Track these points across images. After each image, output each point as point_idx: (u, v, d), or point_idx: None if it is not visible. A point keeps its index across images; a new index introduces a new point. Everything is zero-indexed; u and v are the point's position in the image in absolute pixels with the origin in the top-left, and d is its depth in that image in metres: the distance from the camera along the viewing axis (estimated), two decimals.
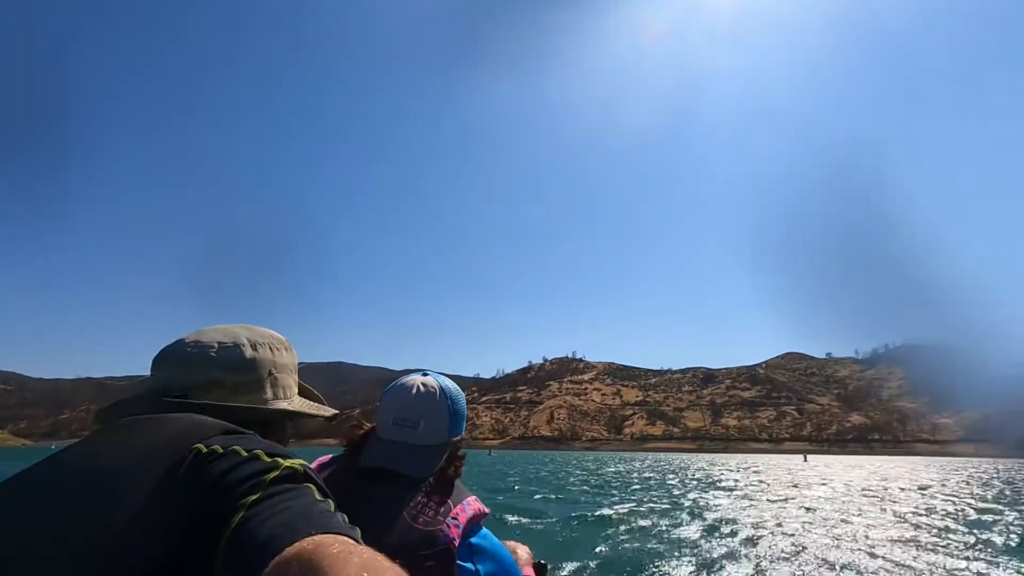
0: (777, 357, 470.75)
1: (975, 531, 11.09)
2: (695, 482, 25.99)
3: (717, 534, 10.24)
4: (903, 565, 7.93)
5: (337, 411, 1.15)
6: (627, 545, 9.16)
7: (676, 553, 8.55)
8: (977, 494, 21.05)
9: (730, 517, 12.48)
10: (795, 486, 24.15)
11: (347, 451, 1.26)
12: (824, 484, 25.88)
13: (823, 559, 8.22)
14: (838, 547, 9.14)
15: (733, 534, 10.21)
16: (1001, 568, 7.86)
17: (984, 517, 13.46)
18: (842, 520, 12.39)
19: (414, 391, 1.24)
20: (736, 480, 28.17)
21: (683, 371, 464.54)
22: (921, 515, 13.64)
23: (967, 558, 8.51)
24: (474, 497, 1.21)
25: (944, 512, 14.43)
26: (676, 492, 19.75)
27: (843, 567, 7.72)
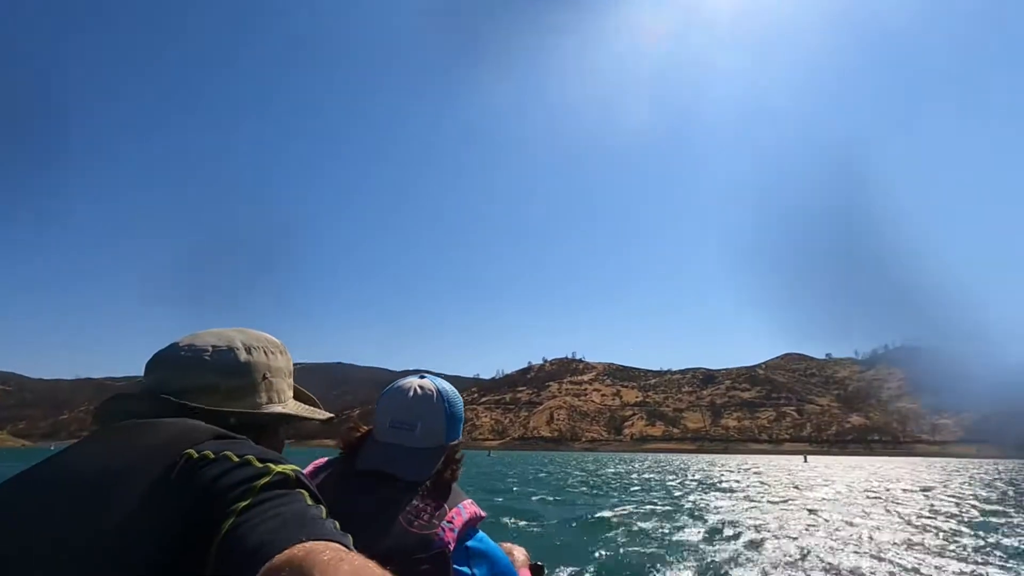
0: (777, 358, 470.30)
1: (983, 534, 10.83)
2: (695, 483, 25.72)
3: (719, 537, 9.98)
4: (912, 570, 7.68)
5: (332, 414, 1.15)
6: (626, 549, 8.90)
7: (677, 557, 8.29)
8: (981, 496, 20.76)
9: (732, 519, 12.23)
10: (796, 487, 23.88)
11: (343, 454, 1.25)
12: (826, 485, 25.60)
13: (829, 563, 7.95)
14: (843, 550, 8.87)
15: (735, 537, 9.95)
16: (1013, 574, 7.60)
17: (991, 519, 13.19)
18: (846, 522, 12.12)
19: (411, 393, 1.24)
20: (737, 481, 27.90)
21: (683, 372, 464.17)
22: (927, 517, 13.37)
23: (977, 562, 8.25)
24: (470, 500, 1.20)
25: (949, 514, 14.16)
26: (676, 494, 19.48)
27: (850, 572, 7.47)
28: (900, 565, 7.90)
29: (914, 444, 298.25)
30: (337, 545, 0.67)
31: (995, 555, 8.81)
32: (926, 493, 21.64)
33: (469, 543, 1.14)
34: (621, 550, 8.76)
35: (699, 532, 10.46)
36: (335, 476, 1.20)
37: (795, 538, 9.95)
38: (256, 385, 0.94)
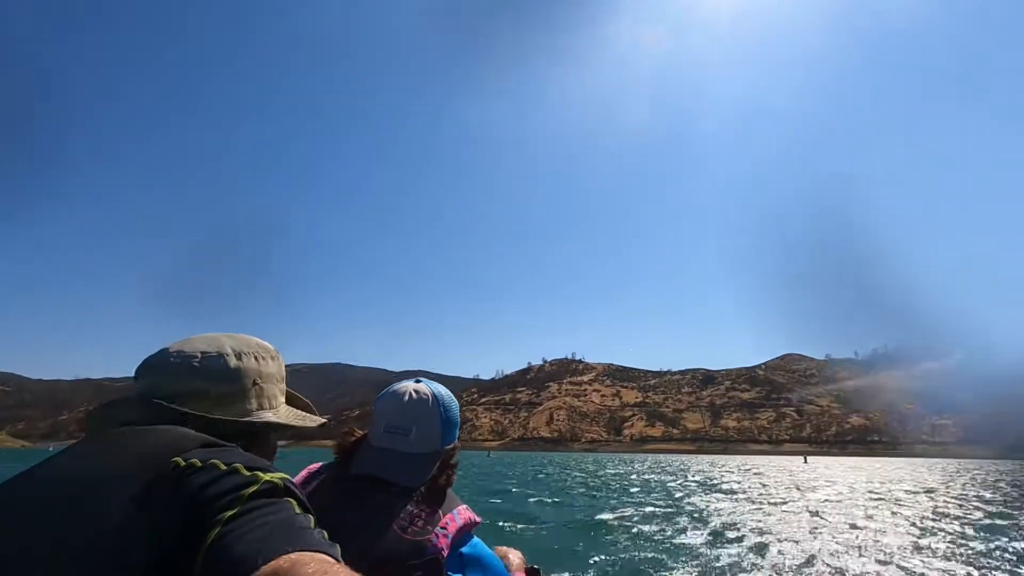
0: (776, 358, 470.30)
1: (991, 537, 10.58)
2: (695, 484, 25.50)
3: (721, 540, 9.74)
4: (920, 575, 7.43)
5: (324, 420, 1.14)
6: (626, 552, 8.66)
7: (677, 561, 8.05)
8: (986, 497, 20.53)
9: (734, 522, 11.99)
10: (798, 488, 23.68)
11: (338, 459, 1.24)
12: (827, 486, 25.41)
13: (835, 568, 7.71)
14: (849, 554, 8.63)
15: (738, 540, 9.70)
16: None
17: (997, 522, 12.95)
18: (851, 525, 11.88)
19: (406, 398, 1.23)
20: (737, 482, 27.69)
21: (682, 372, 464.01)
22: (932, 519, 13.12)
23: (987, 567, 8.00)
24: (465, 506, 1.20)
25: (954, 516, 13.92)
26: (676, 495, 19.25)
27: None
28: (908, 570, 7.66)
29: (914, 445, 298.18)
30: (323, 556, 0.66)
31: (1004, 559, 8.56)
32: (929, 494, 21.41)
33: (463, 549, 1.13)
34: (620, 554, 8.52)
35: (700, 535, 10.22)
36: (329, 481, 1.19)
37: (798, 541, 9.70)
38: (246, 391, 0.94)
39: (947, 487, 26.75)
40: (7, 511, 0.69)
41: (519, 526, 11.20)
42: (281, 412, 1.01)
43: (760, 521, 12.28)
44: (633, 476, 32.99)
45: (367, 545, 1.02)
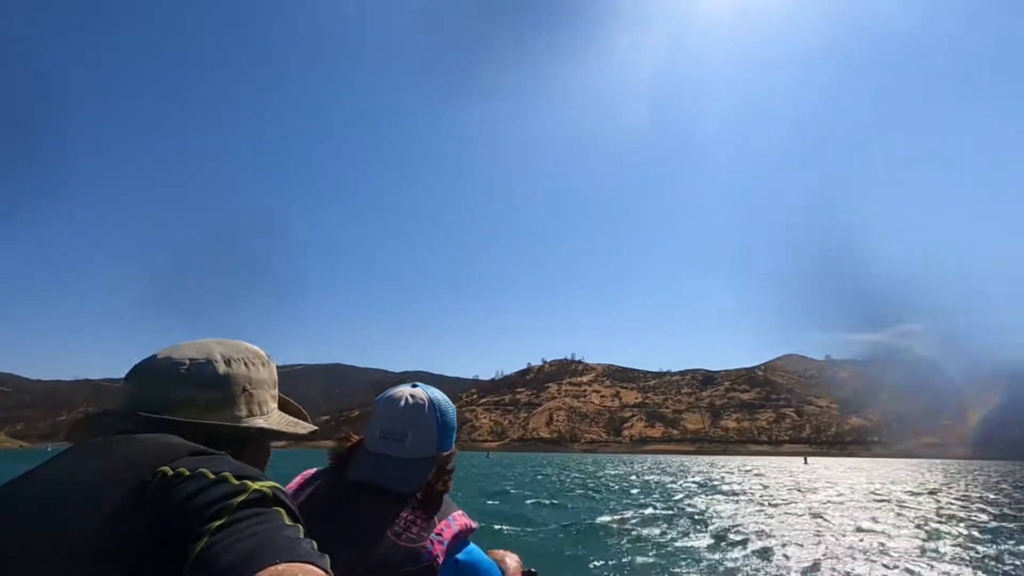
0: (776, 359, 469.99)
1: (1000, 540, 10.33)
2: (696, 486, 25.26)
3: (723, 544, 9.48)
4: None
5: (315, 428, 1.12)
6: (625, 556, 8.39)
7: (679, 566, 7.80)
8: (990, 499, 20.28)
9: (736, 524, 11.73)
10: (799, 490, 23.43)
11: (333, 464, 1.23)
12: (829, 487, 25.17)
13: (843, 573, 7.45)
14: (855, 558, 8.36)
15: (741, 544, 9.44)
16: None
17: (1006, 525, 12.69)
18: (856, 527, 11.61)
19: (402, 403, 1.22)
20: (738, 484, 27.44)
21: (682, 373, 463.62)
22: (938, 522, 12.85)
23: (999, 572, 7.75)
24: (461, 512, 1.19)
25: (961, 519, 13.66)
26: (677, 497, 19.00)
27: None
28: (917, 575, 7.41)
29: (913, 446, 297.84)
30: (312, 567, 0.65)
31: (1016, 563, 8.30)
32: (933, 496, 21.16)
33: (459, 556, 1.13)
34: (620, 558, 8.26)
35: (702, 538, 9.96)
36: (324, 488, 1.18)
37: (803, 545, 9.44)
38: (235, 398, 0.92)
39: (949, 488, 26.49)
40: None
41: (516, 528, 10.94)
42: (273, 418, 1.00)
43: (763, 523, 12.03)
44: (633, 477, 32.74)
45: (362, 552, 1.02)
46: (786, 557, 8.43)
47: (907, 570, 7.66)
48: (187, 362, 0.89)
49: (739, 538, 9.99)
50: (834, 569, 7.66)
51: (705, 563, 8.00)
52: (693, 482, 28.10)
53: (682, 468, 52.62)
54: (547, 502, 16.49)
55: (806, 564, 7.96)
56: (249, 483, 0.70)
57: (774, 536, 10.33)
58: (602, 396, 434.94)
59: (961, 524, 12.52)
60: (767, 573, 7.48)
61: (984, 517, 14.06)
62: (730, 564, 7.94)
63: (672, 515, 13.38)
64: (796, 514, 14.08)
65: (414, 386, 1.29)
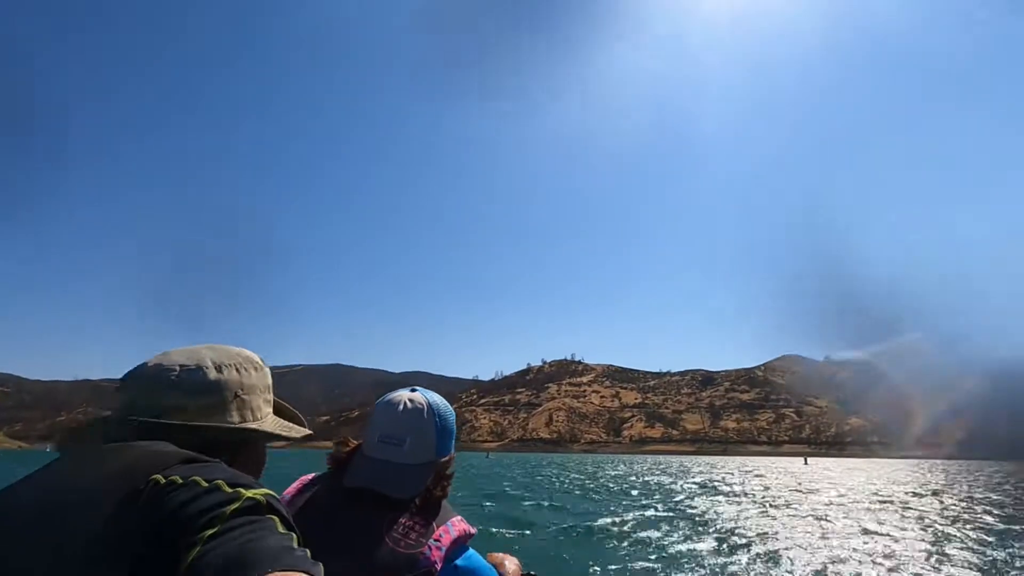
0: (775, 359, 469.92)
1: (1009, 542, 10.10)
2: (696, 487, 25.04)
3: (726, 547, 9.26)
4: None
5: (310, 432, 1.11)
6: (626, 559, 8.17)
7: (682, 570, 7.58)
8: (995, 500, 20.02)
9: (739, 527, 11.52)
10: (801, 491, 23.22)
11: (331, 470, 1.23)
12: (831, 488, 24.96)
13: None
14: (862, 562, 8.14)
15: (744, 547, 9.23)
16: None
17: (1014, 527, 12.46)
18: (863, 530, 11.39)
19: (401, 407, 1.22)
20: (739, 485, 27.23)
21: (681, 373, 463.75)
22: (945, 523, 12.62)
23: None
24: (460, 517, 1.19)
25: (967, 520, 13.44)
26: (678, 498, 18.78)
27: None
28: None
29: (913, 446, 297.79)
30: None
31: None
32: (937, 497, 20.93)
33: (458, 562, 1.12)
34: (621, 561, 8.04)
35: (704, 542, 9.74)
36: (322, 493, 1.17)
37: (809, 548, 9.22)
38: (226, 403, 0.92)
39: (952, 489, 26.27)
40: None
41: (516, 531, 10.73)
42: (267, 423, 0.99)
43: (767, 526, 11.81)
44: (633, 478, 32.52)
45: (359, 559, 1.02)
46: (792, 561, 8.21)
47: (916, 575, 7.46)
48: (177, 368, 0.89)
49: (742, 541, 9.78)
50: (840, 574, 7.46)
51: (708, 567, 7.78)
52: (694, 483, 27.89)
53: (682, 468, 52.41)
54: (547, 503, 16.27)
55: (813, 568, 7.75)
56: (243, 491, 0.69)
57: (778, 539, 10.12)
58: (602, 396, 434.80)
59: (968, 526, 12.30)
60: None
61: (990, 519, 13.83)
62: (734, 569, 7.73)
63: (673, 517, 13.16)
64: (800, 516, 13.87)
65: (413, 390, 1.29)
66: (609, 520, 12.09)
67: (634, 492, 21.42)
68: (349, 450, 1.23)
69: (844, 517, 13.65)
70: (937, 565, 8.09)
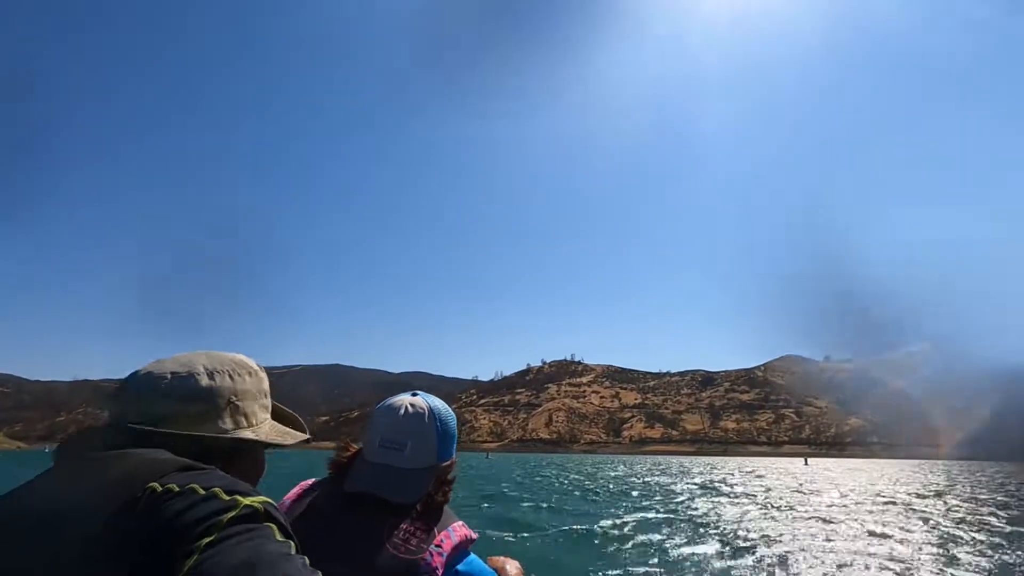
0: (775, 360, 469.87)
1: (1019, 545, 9.94)
2: (697, 488, 24.90)
3: (728, 550, 9.10)
4: None
5: (308, 437, 1.10)
6: (628, 562, 8.01)
7: (685, 574, 7.43)
8: (999, 501, 19.86)
9: (741, 529, 11.36)
10: (802, 492, 23.08)
11: (332, 475, 1.22)
12: (832, 489, 24.82)
13: None
14: (869, 566, 7.98)
15: (748, 550, 9.06)
16: None
17: (1021, 528, 12.30)
18: (868, 532, 11.23)
19: (402, 412, 1.21)
20: (740, 485, 27.09)
21: (681, 374, 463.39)
22: (951, 525, 12.46)
23: None
24: (461, 523, 1.18)
25: (972, 522, 13.28)
26: (678, 499, 18.62)
27: None
28: None
29: (914, 446, 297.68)
30: None
31: None
32: (940, 498, 20.75)
33: (459, 567, 1.12)
34: (622, 566, 7.88)
35: (706, 544, 9.58)
36: (322, 498, 1.16)
37: (814, 551, 9.05)
38: (220, 410, 0.91)
39: (955, 490, 26.11)
40: None
41: (516, 533, 10.57)
42: (263, 429, 0.98)
43: (769, 528, 11.64)
44: (633, 479, 32.37)
45: (360, 564, 1.01)
46: (797, 564, 8.04)
47: None
48: (168, 376, 0.88)
49: (745, 544, 9.62)
50: None
51: (711, 572, 7.63)
52: (694, 484, 27.74)
53: (682, 469, 52.27)
54: (547, 505, 16.11)
55: (818, 572, 7.59)
56: (240, 498, 0.69)
57: (782, 541, 9.96)
58: (601, 397, 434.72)
59: (974, 528, 12.14)
60: None
61: (996, 521, 13.66)
62: (738, 573, 7.57)
63: (674, 519, 13.01)
64: (803, 517, 13.71)
65: (414, 395, 1.28)
66: (609, 522, 11.93)
67: (634, 493, 21.26)
68: (350, 455, 1.22)
69: (847, 518, 13.47)
70: (944, 568, 7.93)
